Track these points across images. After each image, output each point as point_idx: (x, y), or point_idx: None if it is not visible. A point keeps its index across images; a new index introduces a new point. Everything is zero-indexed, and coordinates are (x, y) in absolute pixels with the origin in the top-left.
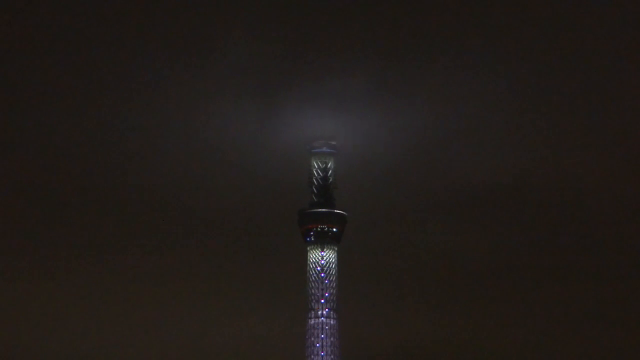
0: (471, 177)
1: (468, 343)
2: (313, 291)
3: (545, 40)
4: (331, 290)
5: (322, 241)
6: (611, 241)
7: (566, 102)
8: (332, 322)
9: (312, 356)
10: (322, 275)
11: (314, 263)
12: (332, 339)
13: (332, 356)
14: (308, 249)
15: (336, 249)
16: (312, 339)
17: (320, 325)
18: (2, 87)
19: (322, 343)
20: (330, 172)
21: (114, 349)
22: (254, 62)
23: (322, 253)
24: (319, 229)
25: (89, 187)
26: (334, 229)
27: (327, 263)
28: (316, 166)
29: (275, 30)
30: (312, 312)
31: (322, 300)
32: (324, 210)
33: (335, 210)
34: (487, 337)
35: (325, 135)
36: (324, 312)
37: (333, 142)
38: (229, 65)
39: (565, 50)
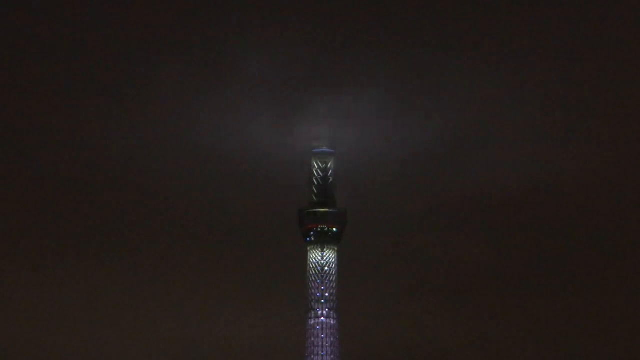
0: (473, 182)
1: (468, 344)
2: (313, 291)
3: (554, 50)
4: (331, 290)
5: (322, 241)
6: (618, 251)
7: (573, 113)
8: (332, 322)
9: (312, 356)
10: (322, 275)
11: (314, 263)
12: (332, 339)
13: (332, 356)
14: (308, 249)
15: (336, 249)
16: (312, 339)
17: (320, 325)
18: (9, 87)
19: (322, 343)
20: (330, 172)
21: (113, 349)
22: (256, 64)
23: (322, 253)
24: (319, 229)
25: (90, 186)
26: (334, 229)
27: (327, 263)
28: (316, 166)
29: (285, 37)
30: (312, 312)
31: (322, 300)
32: (324, 210)
33: (336, 210)
34: (488, 339)
35: (326, 135)
36: (324, 312)
37: (333, 143)
38: (230, 66)
39: (574, 61)
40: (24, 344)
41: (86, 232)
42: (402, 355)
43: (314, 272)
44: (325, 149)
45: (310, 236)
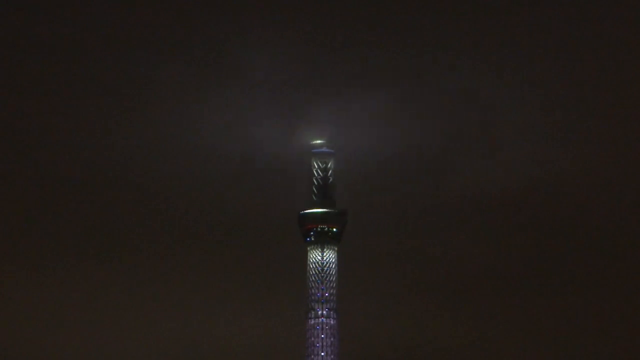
0: (473, 182)
1: (468, 344)
2: (313, 291)
3: (554, 50)
4: (331, 290)
5: (322, 241)
6: (618, 251)
7: (573, 113)
8: (332, 322)
9: (312, 356)
10: (322, 275)
11: (314, 263)
12: (332, 339)
13: (332, 356)
14: (308, 249)
15: (336, 249)
16: (312, 339)
17: (320, 325)
18: (9, 87)
19: (322, 343)
20: (330, 172)
21: (113, 349)
22: (256, 64)
23: (322, 253)
24: (319, 229)
25: (90, 186)
26: (334, 229)
27: (327, 263)
28: (316, 166)
29: (285, 37)
30: (312, 312)
31: (322, 300)
32: (324, 210)
33: (335, 210)
34: (488, 339)
35: (326, 135)
36: (324, 312)
37: (333, 143)
38: (230, 66)
39: (574, 61)
40: (24, 344)
41: (86, 232)
42: (402, 355)
43: (314, 272)
44: (325, 149)
45: (310, 236)
